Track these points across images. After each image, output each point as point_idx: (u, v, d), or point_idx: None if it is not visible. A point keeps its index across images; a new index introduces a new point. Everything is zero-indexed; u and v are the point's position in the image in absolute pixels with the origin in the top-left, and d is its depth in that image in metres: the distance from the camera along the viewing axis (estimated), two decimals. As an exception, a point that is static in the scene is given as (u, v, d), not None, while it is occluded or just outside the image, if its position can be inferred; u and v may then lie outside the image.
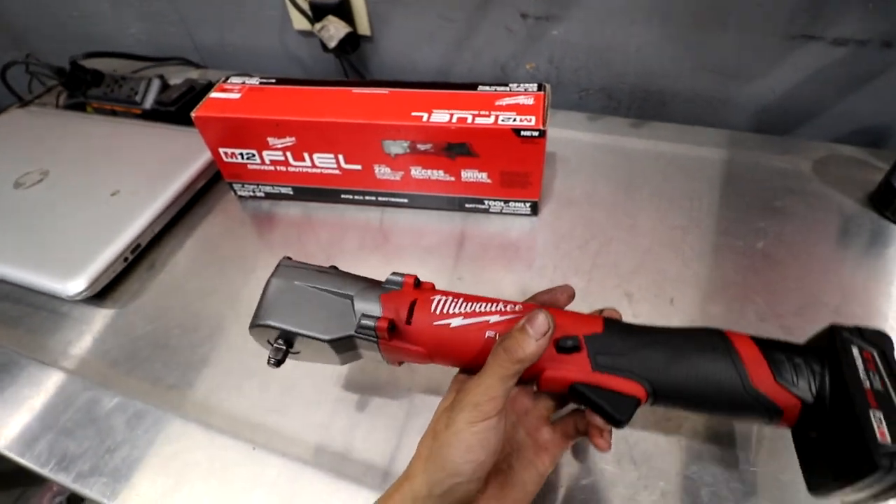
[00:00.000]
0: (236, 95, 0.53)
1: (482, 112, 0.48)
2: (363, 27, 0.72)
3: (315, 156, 0.53)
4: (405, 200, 0.56)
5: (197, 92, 0.70)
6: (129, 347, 0.47)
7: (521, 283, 0.50)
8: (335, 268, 0.36)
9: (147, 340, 0.48)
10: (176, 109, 0.68)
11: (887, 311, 0.45)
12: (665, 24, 0.60)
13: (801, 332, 0.42)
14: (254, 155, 0.54)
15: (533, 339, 0.28)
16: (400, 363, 0.36)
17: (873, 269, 0.49)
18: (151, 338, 0.48)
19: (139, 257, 0.55)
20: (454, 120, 0.48)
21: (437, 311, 0.32)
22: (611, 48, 0.64)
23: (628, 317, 0.45)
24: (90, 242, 0.52)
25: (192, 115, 0.51)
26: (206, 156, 0.61)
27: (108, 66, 0.78)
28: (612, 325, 0.31)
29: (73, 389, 0.45)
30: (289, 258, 0.36)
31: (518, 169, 0.50)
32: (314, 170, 0.55)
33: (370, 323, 0.31)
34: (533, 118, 0.47)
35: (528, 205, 0.54)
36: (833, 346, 0.28)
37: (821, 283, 0.48)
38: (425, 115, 0.48)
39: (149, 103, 0.70)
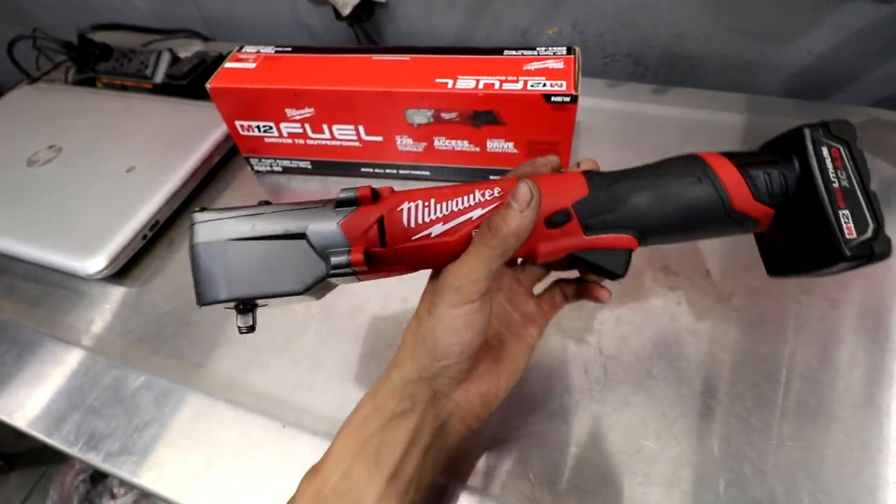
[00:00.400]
0: (252, 65, 0.51)
1: (510, 77, 0.46)
2: (378, -7, 0.69)
3: (335, 127, 0.51)
4: (427, 173, 0.55)
5: (208, 64, 0.68)
6: (153, 325, 0.47)
7: (550, 257, 0.48)
8: (267, 202, 0.30)
9: (170, 318, 0.47)
10: (188, 83, 0.66)
11: (936, 281, 0.43)
12: (698, -17, 0.57)
13: (847, 306, 0.42)
14: (271, 127, 0.53)
15: (517, 211, 0.26)
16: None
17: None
18: (174, 315, 0.47)
19: (158, 234, 0.54)
20: (481, 86, 0.45)
21: (413, 224, 0.28)
22: (640, 9, 0.61)
23: (665, 290, 0.45)
24: (108, 220, 0.51)
25: (208, 86, 0.50)
26: (222, 130, 0.59)
27: (113, 39, 0.75)
28: (595, 180, 0.30)
29: (98, 368, 0.44)
30: (203, 209, 0.30)
31: (547, 137, 0.48)
32: (333, 142, 0.53)
33: (343, 260, 0.27)
34: (564, 83, 0.45)
35: (555, 176, 0.52)
36: (803, 148, 0.29)
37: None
38: (450, 82, 0.46)
39: (159, 77, 0.68)
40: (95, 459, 0.40)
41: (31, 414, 0.43)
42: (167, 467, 0.39)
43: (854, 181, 0.28)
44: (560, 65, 0.46)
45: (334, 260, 0.28)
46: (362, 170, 0.56)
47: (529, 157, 0.50)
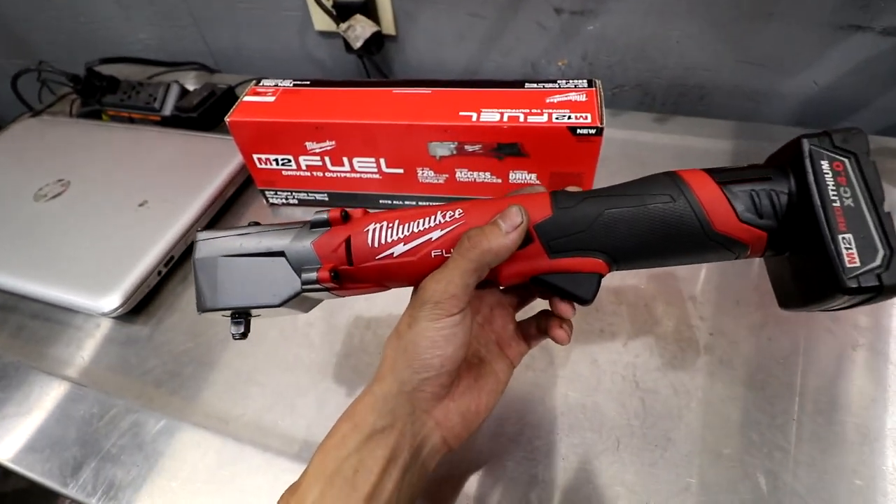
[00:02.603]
0: (270, 99, 0.51)
1: (534, 110, 0.46)
2: (388, 26, 0.70)
3: (355, 160, 0.51)
4: (447, 204, 0.54)
5: (218, 97, 0.68)
6: (171, 365, 0.45)
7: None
8: (257, 223, 0.34)
9: (189, 357, 0.45)
10: (198, 115, 0.66)
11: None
12: (707, 16, 0.58)
13: (873, 332, 0.42)
14: (289, 160, 0.52)
15: (503, 232, 0.27)
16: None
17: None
18: (194, 355, 0.46)
19: (173, 270, 0.52)
20: (505, 119, 0.46)
21: (376, 244, 0.30)
22: (649, 42, 0.62)
23: (697, 321, 0.44)
24: (122, 256, 0.50)
25: (227, 119, 0.49)
26: (236, 162, 0.59)
27: (118, 72, 0.75)
28: (561, 201, 0.29)
29: (116, 412, 0.42)
30: (204, 229, 0.34)
31: (570, 169, 0.48)
32: (353, 175, 0.53)
33: (312, 276, 0.29)
34: (589, 115, 0.45)
35: (577, 205, 0.52)
36: (800, 162, 0.26)
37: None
38: (474, 115, 0.46)
39: (168, 109, 0.68)
40: (114, 511, 0.38)
41: (44, 463, 0.40)
42: (191, 518, 0.37)
43: (862, 200, 0.24)
44: (583, 97, 0.47)
45: (304, 276, 0.30)
46: (381, 202, 0.55)
47: (552, 188, 0.50)
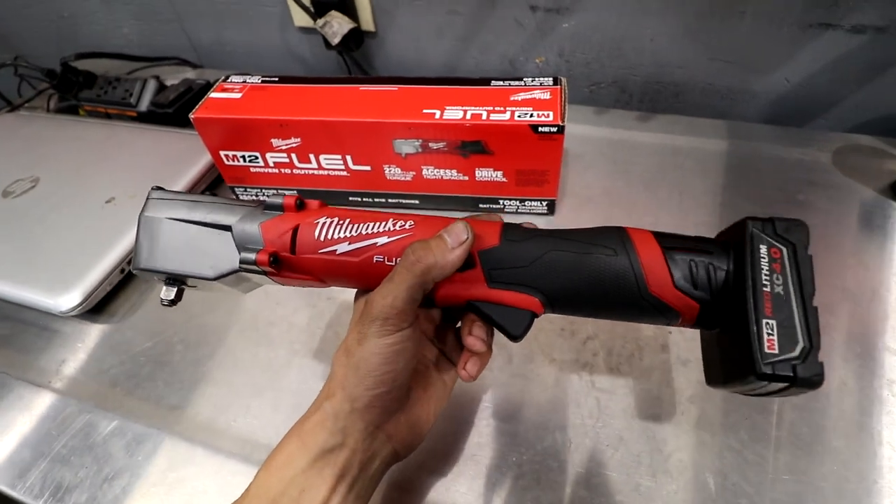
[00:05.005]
0: (237, 95, 0.51)
1: (497, 108, 0.46)
2: (367, 23, 0.69)
3: (321, 157, 0.51)
4: (416, 202, 0.54)
5: (195, 92, 0.68)
6: (128, 365, 0.45)
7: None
8: (214, 193, 0.33)
9: (147, 357, 0.45)
10: (173, 111, 0.65)
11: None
12: (681, 14, 0.58)
13: (836, 331, 0.42)
14: (256, 157, 0.52)
15: (448, 247, 0.26)
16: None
17: (901, 260, 0.47)
18: (151, 354, 0.45)
19: (137, 267, 0.52)
20: (468, 117, 0.45)
21: (322, 238, 0.29)
22: (624, 39, 0.62)
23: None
24: (84, 253, 0.49)
25: (191, 116, 0.49)
26: (207, 159, 0.58)
27: (100, 67, 0.75)
28: (510, 234, 0.29)
29: (68, 412, 0.42)
30: (159, 188, 0.33)
31: (535, 167, 0.48)
32: (321, 172, 0.52)
33: (251, 256, 0.29)
34: (551, 113, 0.44)
35: (544, 203, 0.52)
36: (741, 242, 0.26)
37: (849, 276, 0.46)
38: (438, 113, 0.46)
39: (144, 105, 0.67)
40: (61, 513, 0.37)
41: (-6, 462, 0.40)
42: (140, 519, 0.36)
43: (791, 290, 0.24)
44: (547, 95, 0.47)
45: (243, 255, 0.29)
46: (350, 199, 0.55)
47: (518, 186, 0.50)
